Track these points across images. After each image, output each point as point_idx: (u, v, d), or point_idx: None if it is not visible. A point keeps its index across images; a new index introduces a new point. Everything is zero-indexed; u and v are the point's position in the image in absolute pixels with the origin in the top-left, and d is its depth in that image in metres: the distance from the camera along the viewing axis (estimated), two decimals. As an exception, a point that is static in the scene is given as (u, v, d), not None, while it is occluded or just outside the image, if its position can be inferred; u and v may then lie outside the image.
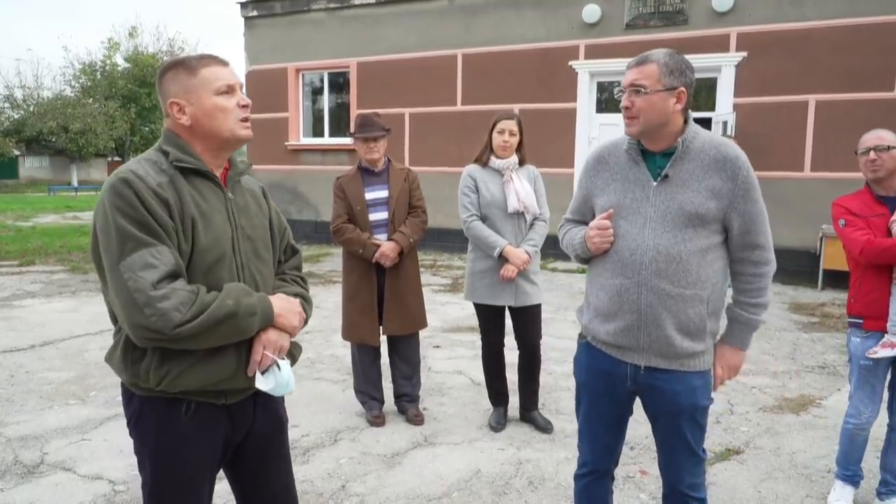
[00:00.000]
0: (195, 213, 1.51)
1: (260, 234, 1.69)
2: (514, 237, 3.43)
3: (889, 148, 2.53)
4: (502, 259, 3.37)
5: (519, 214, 3.42)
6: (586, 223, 2.00)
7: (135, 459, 1.54)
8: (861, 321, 2.64)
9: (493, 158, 3.45)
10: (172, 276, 1.43)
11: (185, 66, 1.55)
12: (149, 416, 1.56)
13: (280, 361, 1.60)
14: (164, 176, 1.50)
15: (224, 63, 1.59)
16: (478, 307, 3.56)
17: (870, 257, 2.56)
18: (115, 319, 1.56)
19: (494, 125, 3.43)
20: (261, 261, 1.67)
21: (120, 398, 4.33)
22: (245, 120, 1.59)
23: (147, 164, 1.51)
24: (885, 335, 2.57)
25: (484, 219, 3.44)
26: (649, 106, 1.77)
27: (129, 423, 1.61)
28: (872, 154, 2.54)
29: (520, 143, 3.46)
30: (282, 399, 1.77)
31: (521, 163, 3.49)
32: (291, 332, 1.62)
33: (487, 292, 3.45)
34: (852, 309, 2.69)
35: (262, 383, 1.59)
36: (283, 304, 1.61)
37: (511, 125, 3.40)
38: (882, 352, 2.56)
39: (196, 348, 1.48)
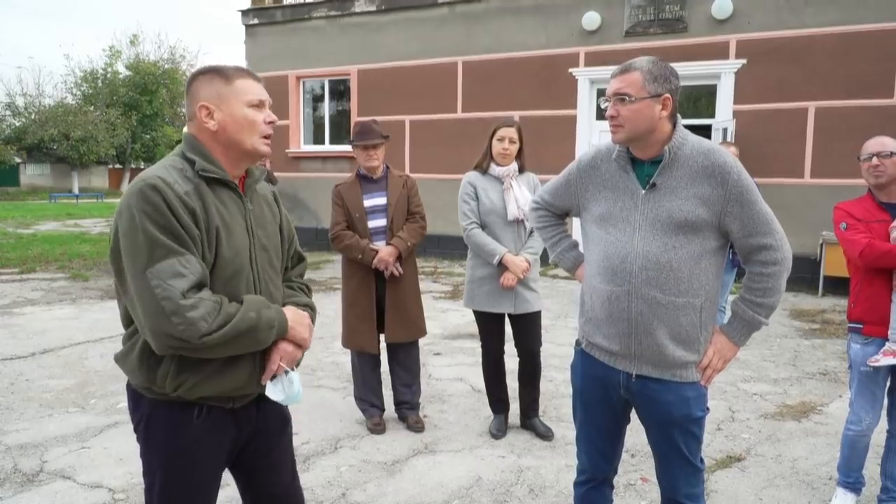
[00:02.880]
0: (219, 224, 1.53)
1: (273, 244, 1.72)
2: (513, 245, 3.42)
3: (892, 154, 2.53)
4: (502, 267, 3.37)
5: (519, 222, 3.42)
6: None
7: (135, 467, 1.55)
8: (861, 326, 2.64)
9: (492, 165, 3.45)
10: (199, 285, 1.44)
11: (221, 73, 1.58)
12: (160, 420, 1.57)
13: (291, 373, 1.64)
14: (189, 184, 1.51)
15: (258, 79, 1.63)
16: (477, 314, 3.56)
17: (868, 260, 2.56)
18: (127, 323, 1.56)
19: (494, 132, 3.43)
20: (273, 270, 1.70)
21: (120, 406, 4.31)
22: (267, 137, 1.62)
23: (173, 170, 1.52)
24: (887, 343, 2.56)
25: (484, 226, 3.44)
26: (634, 114, 1.76)
27: (136, 427, 1.62)
28: (875, 160, 2.55)
29: (520, 151, 3.46)
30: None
31: (521, 170, 3.50)
32: (303, 344, 1.66)
33: (487, 300, 3.45)
34: (852, 314, 2.69)
35: (273, 393, 1.62)
36: (295, 317, 1.64)
37: (511, 132, 3.40)
38: (884, 360, 2.55)
39: (214, 357, 1.49)
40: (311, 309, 1.78)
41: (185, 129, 1.63)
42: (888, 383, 2.69)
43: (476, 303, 3.49)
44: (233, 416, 1.64)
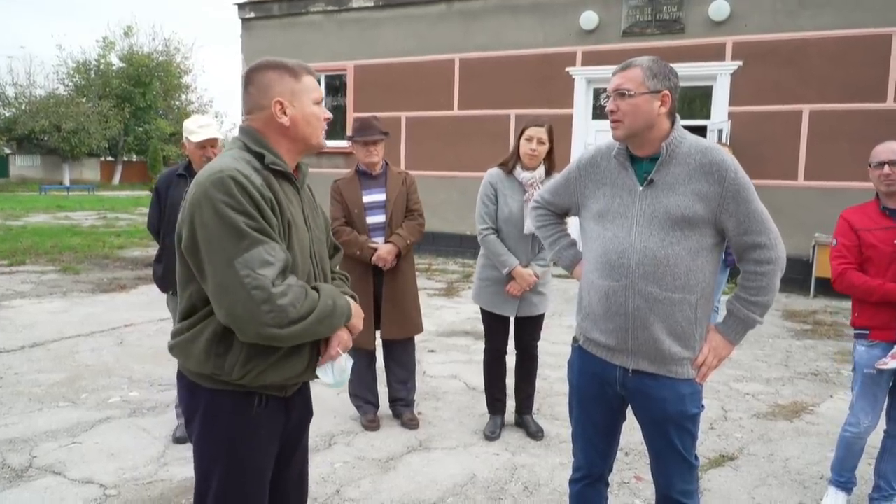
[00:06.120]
0: (290, 216, 1.57)
1: (323, 234, 1.78)
2: (525, 257, 3.35)
3: None
4: (511, 276, 3.32)
5: (534, 236, 3.29)
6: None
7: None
8: (867, 332, 2.64)
9: (518, 168, 3.34)
10: (284, 272, 1.47)
11: (290, 70, 1.62)
12: (222, 409, 1.57)
13: (345, 357, 1.71)
14: (259, 176, 1.53)
15: (316, 75, 1.69)
16: (483, 311, 3.54)
17: (839, 289, 2.65)
18: (188, 313, 1.56)
19: (523, 131, 3.31)
20: (325, 259, 1.76)
21: (112, 400, 4.26)
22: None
23: (243, 163, 1.53)
24: (895, 347, 2.57)
25: (498, 232, 3.36)
26: (634, 109, 1.79)
27: (191, 418, 1.63)
28: (887, 168, 2.53)
29: (549, 152, 3.36)
30: (309, 390, 1.86)
31: (549, 172, 3.37)
32: (354, 332, 1.71)
33: (492, 300, 3.43)
34: (857, 322, 2.68)
35: (326, 376, 1.69)
36: (354, 307, 1.69)
37: (540, 133, 3.28)
38: (892, 363, 2.55)
39: (288, 345, 1.51)
40: (354, 299, 1.83)
41: (241, 123, 1.66)
42: (890, 386, 2.70)
43: (482, 301, 3.48)
44: (284, 404, 1.67)
